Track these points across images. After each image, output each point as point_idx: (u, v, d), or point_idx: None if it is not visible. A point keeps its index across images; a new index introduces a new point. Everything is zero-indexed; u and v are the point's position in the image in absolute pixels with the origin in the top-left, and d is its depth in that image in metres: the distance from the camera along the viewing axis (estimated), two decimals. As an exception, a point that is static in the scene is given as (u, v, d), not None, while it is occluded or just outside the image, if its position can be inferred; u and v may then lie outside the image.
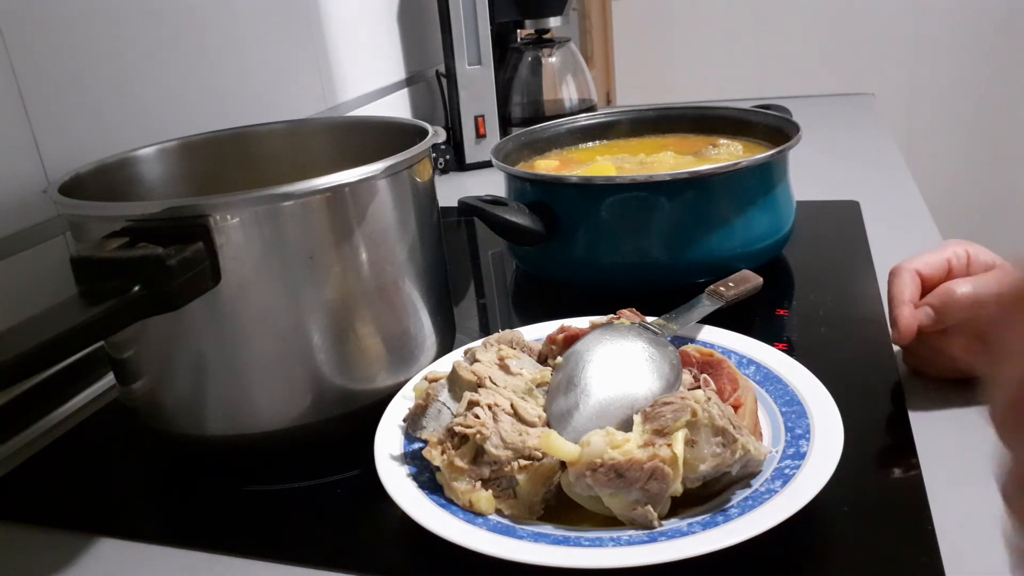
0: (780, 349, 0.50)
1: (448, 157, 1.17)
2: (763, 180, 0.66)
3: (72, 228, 0.48)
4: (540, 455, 0.40)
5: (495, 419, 0.41)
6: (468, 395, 0.42)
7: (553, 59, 1.24)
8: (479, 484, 0.40)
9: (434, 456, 0.40)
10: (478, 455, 0.40)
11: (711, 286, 0.57)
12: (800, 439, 0.41)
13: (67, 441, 0.56)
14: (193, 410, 0.47)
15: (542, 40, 1.25)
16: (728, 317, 0.55)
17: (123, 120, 0.67)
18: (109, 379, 0.63)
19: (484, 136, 1.18)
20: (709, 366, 0.46)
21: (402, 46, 1.23)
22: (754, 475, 0.39)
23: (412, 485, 0.41)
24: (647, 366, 0.44)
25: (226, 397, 0.46)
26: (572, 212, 0.65)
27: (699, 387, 0.42)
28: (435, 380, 0.46)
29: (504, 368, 0.45)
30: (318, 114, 0.98)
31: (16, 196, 0.58)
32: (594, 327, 0.48)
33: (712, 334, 0.52)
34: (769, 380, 0.47)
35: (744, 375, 0.46)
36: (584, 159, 0.83)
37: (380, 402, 0.48)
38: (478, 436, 0.40)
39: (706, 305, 0.54)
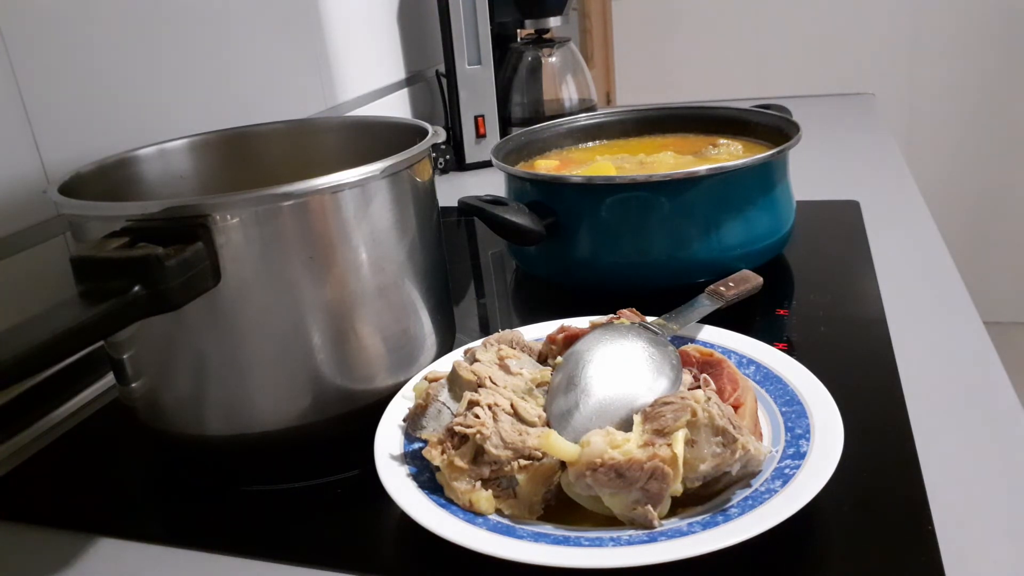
0: (780, 349, 0.50)
1: (448, 157, 1.17)
2: (763, 180, 0.66)
3: (72, 228, 0.48)
4: (540, 455, 0.40)
5: (495, 419, 0.41)
6: (468, 395, 0.42)
7: (553, 59, 1.24)
8: (479, 484, 0.40)
9: (434, 456, 0.40)
10: (478, 455, 0.40)
11: (711, 286, 0.57)
12: (800, 439, 0.41)
13: (67, 441, 0.56)
14: (193, 410, 0.47)
15: (542, 40, 1.25)
16: (728, 317, 0.55)
17: (123, 120, 0.67)
18: (109, 379, 0.63)
19: (484, 136, 1.18)
20: (709, 366, 0.46)
21: (402, 46, 1.23)
22: (754, 475, 0.39)
23: (412, 485, 0.41)
24: (647, 366, 0.44)
25: (226, 397, 0.46)
26: (572, 212, 0.65)
27: (699, 387, 0.42)
28: (435, 380, 0.46)
29: (504, 368, 0.45)
30: (318, 114, 0.98)
31: (16, 196, 0.58)
32: (594, 327, 0.48)
33: (712, 334, 0.52)
34: (769, 380, 0.47)
35: (744, 375, 0.46)
36: (584, 159, 0.83)
37: (380, 402, 0.48)
38: (478, 436, 0.40)
39: (706, 305, 0.54)
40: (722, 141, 0.80)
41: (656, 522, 0.37)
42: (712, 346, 0.50)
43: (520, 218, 0.64)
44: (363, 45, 1.11)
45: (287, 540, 0.43)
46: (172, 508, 0.48)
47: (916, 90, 2.00)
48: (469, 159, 1.18)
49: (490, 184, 1.07)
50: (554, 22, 1.23)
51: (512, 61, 1.25)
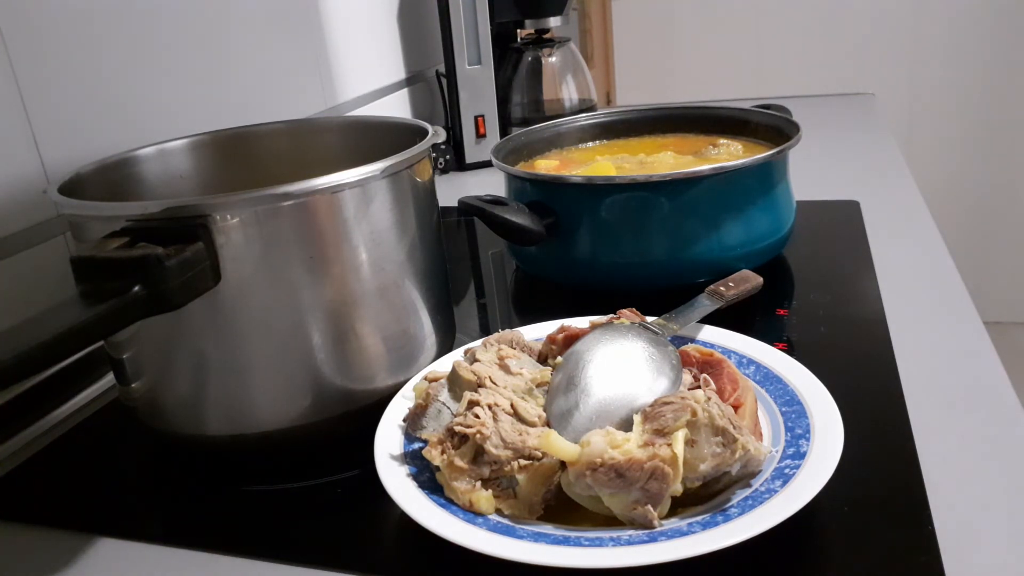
0: (780, 349, 0.50)
1: (448, 157, 1.17)
2: (763, 180, 0.66)
3: (72, 228, 0.48)
4: (540, 455, 0.40)
5: (495, 419, 0.41)
6: (468, 395, 0.42)
7: (553, 59, 1.24)
8: (479, 484, 0.40)
9: (434, 456, 0.40)
10: (478, 455, 0.40)
11: (711, 286, 0.57)
12: (800, 439, 0.41)
13: (67, 441, 0.56)
14: (193, 410, 0.47)
15: (542, 40, 1.25)
16: (728, 317, 0.55)
17: (123, 120, 0.67)
18: (109, 379, 0.63)
19: (484, 136, 1.18)
20: (709, 366, 0.46)
21: (402, 46, 1.23)
22: (754, 475, 0.39)
23: (412, 485, 0.41)
24: (647, 366, 0.44)
25: (226, 397, 0.46)
26: (572, 212, 0.65)
27: (699, 387, 0.42)
28: (435, 380, 0.46)
29: (504, 368, 0.45)
30: (318, 114, 0.98)
31: (16, 196, 0.58)
32: (594, 327, 0.48)
33: (712, 334, 0.52)
34: (769, 380, 0.47)
35: (744, 375, 0.46)
36: (584, 159, 0.83)
37: (380, 402, 0.48)
38: (478, 436, 0.40)
39: (706, 305, 0.54)
40: (722, 141, 0.80)
41: (656, 522, 0.37)
42: (712, 346, 0.50)
43: (520, 218, 0.64)
44: (363, 45, 1.11)
45: (287, 540, 0.43)
46: (172, 508, 0.48)
47: (916, 90, 2.00)
48: (469, 159, 1.18)
49: (490, 184, 1.07)
50: (554, 22, 1.23)
51: (512, 61, 1.25)
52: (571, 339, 0.48)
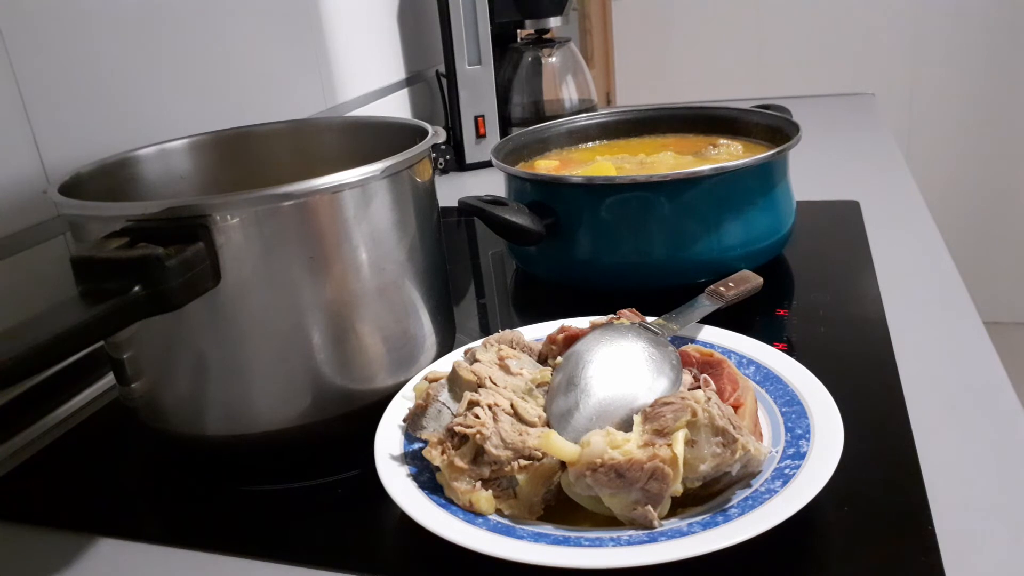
0: (780, 349, 0.50)
1: (448, 157, 1.17)
2: (763, 180, 0.66)
3: (72, 228, 0.48)
4: (540, 455, 0.40)
5: (495, 419, 0.41)
6: (468, 395, 0.42)
7: (553, 59, 1.24)
8: (479, 484, 0.40)
9: (434, 456, 0.40)
10: (478, 455, 0.40)
11: (711, 286, 0.57)
12: (800, 439, 0.41)
13: (67, 441, 0.56)
14: (193, 410, 0.47)
15: (542, 40, 1.25)
16: (728, 317, 0.55)
17: (123, 120, 0.67)
18: (109, 379, 0.63)
19: (484, 136, 1.18)
20: (709, 366, 0.46)
21: (402, 46, 1.23)
22: (754, 475, 0.39)
23: (412, 485, 0.41)
24: (647, 366, 0.44)
25: (226, 397, 0.46)
26: (572, 212, 0.65)
27: (699, 387, 0.42)
28: (435, 380, 0.46)
29: (504, 368, 0.45)
30: (318, 114, 0.98)
31: (16, 196, 0.58)
32: (594, 327, 0.48)
33: (712, 334, 0.52)
34: (769, 380, 0.47)
35: (744, 375, 0.46)
36: (584, 159, 0.83)
37: (380, 402, 0.48)
38: (478, 436, 0.40)
39: (706, 305, 0.54)
40: (722, 141, 0.80)
41: (656, 522, 0.37)
42: (712, 346, 0.50)
43: (520, 218, 0.64)
44: (363, 45, 1.11)
45: (287, 540, 0.43)
46: (172, 508, 0.48)
47: (916, 90, 2.00)
48: (469, 159, 1.18)
49: (490, 184, 1.07)
50: (554, 22, 1.23)
51: (512, 61, 1.25)
52: (571, 339, 0.48)
